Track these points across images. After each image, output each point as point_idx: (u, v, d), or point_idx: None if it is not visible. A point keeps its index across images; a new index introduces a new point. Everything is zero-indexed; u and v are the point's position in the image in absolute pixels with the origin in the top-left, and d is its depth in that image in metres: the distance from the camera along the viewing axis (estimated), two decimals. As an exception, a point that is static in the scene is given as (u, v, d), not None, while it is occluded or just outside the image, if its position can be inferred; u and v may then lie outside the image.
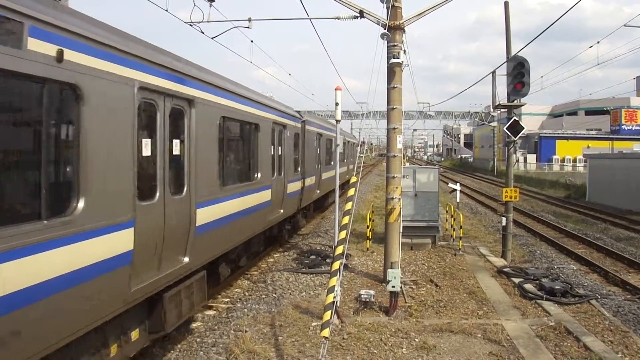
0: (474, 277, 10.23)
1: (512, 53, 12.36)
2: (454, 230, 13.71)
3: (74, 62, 4.28)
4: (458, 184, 16.00)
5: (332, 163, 20.03)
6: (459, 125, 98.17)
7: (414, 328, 7.28)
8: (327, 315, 5.52)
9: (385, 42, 9.11)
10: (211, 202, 7.25)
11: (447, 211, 15.20)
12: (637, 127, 57.17)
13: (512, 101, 11.94)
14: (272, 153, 11.13)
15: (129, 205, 5.13)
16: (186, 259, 6.50)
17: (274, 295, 9.01)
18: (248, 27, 11.78)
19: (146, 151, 5.57)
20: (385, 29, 8.85)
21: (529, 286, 9.43)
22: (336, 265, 6.01)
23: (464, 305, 8.44)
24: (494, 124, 56.45)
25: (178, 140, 6.37)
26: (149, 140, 5.66)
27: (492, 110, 42.06)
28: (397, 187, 9.46)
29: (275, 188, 11.14)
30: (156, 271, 5.78)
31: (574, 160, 54.07)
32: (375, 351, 6.46)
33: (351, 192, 6.29)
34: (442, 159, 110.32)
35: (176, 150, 6.30)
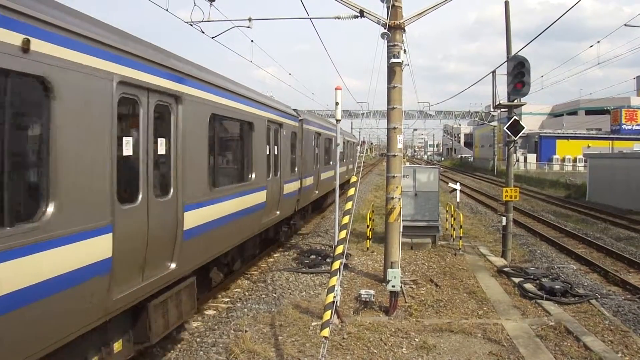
0: (474, 277, 10.23)
1: (513, 53, 12.35)
2: (454, 229, 13.71)
3: (42, 53, 3.92)
4: (458, 183, 15.99)
5: (331, 163, 19.88)
6: (459, 124, 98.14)
7: (414, 328, 7.28)
8: (327, 315, 5.52)
9: (386, 41, 9.10)
10: (200, 204, 6.87)
11: (447, 211, 15.19)
12: (638, 127, 57.19)
13: (513, 101, 11.94)
14: (268, 153, 10.78)
15: (107, 209, 4.76)
16: (173, 265, 6.14)
17: (274, 295, 9.01)
18: (248, 27, 11.77)
19: (127, 150, 5.23)
20: (385, 28, 8.84)
21: (529, 286, 9.43)
22: (336, 264, 6.00)
23: (464, 305, 8.44)
24: (494, 123, 56.44)
25: (164, 139, 5.99)
26: (131, 138, 5.31)
27: (492, 109, 42.11)
28: (397, 187, 9.46)
29: (270, 189, 10.80)
30: (140, 279, 5.44)
31: (574, 160, 54.10)
32: (375, 351, 6.46)
33: (351, 191, 6.29)
34: (442, 159, 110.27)
35: (161, 150, 5.93)
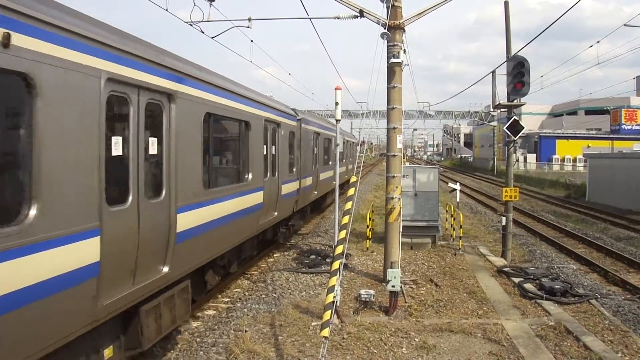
0: (473, 277, 10.23)
1: (512, 53, 12.36)
2: (453, 229, 13.71)
3: (24, 48, 3.72)
4: (458, 183, 16.00)
5: (331, 163, 19.79)
6: (459, 124, 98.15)
7: (414, 328, 7.28)
8: (327, 315, 5.52)
9: (385, 41, 9.10)
10: (194, 205, 6.65)
11: (447, 211, 15.20)
12: (637, 127, 57.23)
13: (512, 101, 11.94)
14: (265, 153, 10.56)
15: (94, 211, 4.55)
16: (166, 269, 5.95)
17: (273, 295, 9.01)
18: (248, 27, 11.78)
19: (116, 150, 5.01)
20: (385, 28, 8.84)
21: (528, 286, 9.43)
22: (336, 264, 6.00)
23: (463, 304, 8.44)
24: (494, 123, 56.44)
25: (155, 139, 5.78)
26: (120, 138, 5.10)
27: (492, 109, 42.09)
28: (397, 187, 9.46)
29: (268, 190, 10.58)
30: (130, 283, 5.26)
31: (574, 160, 54.15)
32: (375, 351, 6.46)
33: (351, 191, 6.29)
34: (442, 159, 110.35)
35: (153, 150, 5.72)
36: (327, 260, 10.97)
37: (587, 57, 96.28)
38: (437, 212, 13.32)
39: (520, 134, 11.85)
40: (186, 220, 6.36)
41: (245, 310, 8.18)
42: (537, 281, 9.59)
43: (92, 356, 4.95)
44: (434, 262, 11.42)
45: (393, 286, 7.82)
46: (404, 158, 19.72)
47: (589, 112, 64.68)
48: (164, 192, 5.90)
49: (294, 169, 13.58)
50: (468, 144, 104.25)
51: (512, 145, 12.27)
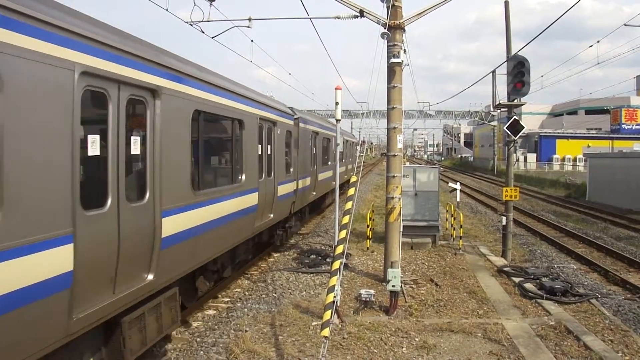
0: (474, 277, 10.23)
1: (512, 52, 12.35)
2: (454, 229, 13.72)
3: None
4: (458, 183, 16.00)
5: (330, 163, 19.62)
6: (459, 124, 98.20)
7: (414, 327, 7.28)
8: (327, 315, 5.52)
9: (386, 41, 9.11)
10: (181, 209, 6.27)
11: (447, 210, 15.19)
12: (637, 127, 57.20)
13: (512, 100, 11.94)
14: (260, 153, 10.17)
15: (67, 216, 4.17)
16: (150, 276, 5.59)
17: (274, 294, 9.01)
18: (248, 27, 11.79)
19: (93, 150, 4.65)
20: (385, 28, 8.85)
21: (529, 285, 9.43)
22: (336, 264, 6.00)
23: (464, 304, 8.44)
24: (494, 123, 56.47)
25: (138, 138, 5.42)
26: (97, 137, 4.73)
27: (492, 109, 42.13)
28: (397, 187, 9.46)
29: (263, 191, 10.20)
30: (110, 293, 4.89)
31: (574, 160, 54.16)
32: (375, 350, 6.46)
33: (351, 191, 6.29)
34: (442, 159, 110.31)
35: (136, 150, 5.37)
36: (328, 260, 10.98)
37: (587, 57, 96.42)
38: (437, 212, 13.32)
39: (520, 134, 11.85)
40: (173, 224, 6.02)
41: (246, 310, 8.18)
42: (538, 281, 9.59)
43: None
44: (434, 262, 11.42)
45: (393, 286, 7.82)
46: (404, 158, 19.72)
47: (589, 111, 64.68)
48: (147, 195, 5.54)
49: (291, 170, 13.19)
50: (468, 144, 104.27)
51: (512, 145, 12.27)
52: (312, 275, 10.28)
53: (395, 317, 7.78)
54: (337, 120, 9.26)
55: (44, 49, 3.92)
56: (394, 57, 9.14)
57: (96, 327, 4.76)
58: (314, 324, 7.27)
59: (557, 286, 9.05)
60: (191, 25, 10.87)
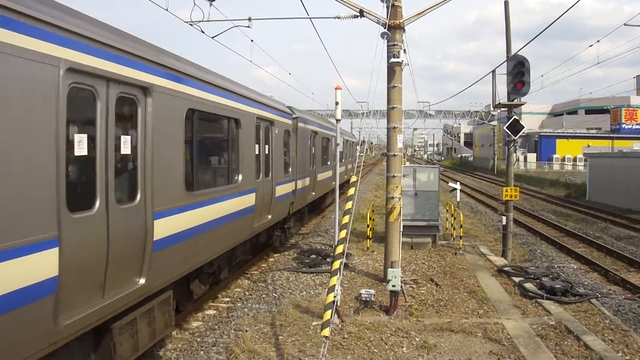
0: (474, 276, 10.23)
1: (512, 52, 12.35)
2: (454, 229, 13.72)
3: None
4: (458, 183, 16.01)
5: (329, 163, 19.54)
6: (459, 124, 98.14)
7: (415, 327, 7.28)
8: (328, 315, 5.52)
9: (385, 41, 9.11)
10: (174, 210, 6.09)
11: (447, 210, 15.19)
12: (637, 126, 57.18)
13: (512, 100, 11.94)
14: (257, 152, 9.99)
15: (51, 219, 3.99)
16: (142, 281, 5.42)
17: (274, 294, 9.01)
18: (248, 27, 11.79)
19: (80, 150, 4.46)
20: (385, 28, 8.85)
21: (529, 285, 9.43)
22: (336, 264, 6.01)
23: (464, 304, 8.44)
24: (494, 123, 56.47)
25: (129, 137, 5.24)
26: (85, 136, 4.54)
27: (492, 109, 42.10)
28: (397, 186, 9.46)
29: (261, 191, 10.02)
30: (99, 298, 4.72)
31: (574, 159, 54.16)
32: (375, 350, 6.46)
33: (351, 191, 6.29)
34: (442, 158, 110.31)
35: (126, 149, 5.18)
36: (328, 259, 10.97)
37: (587, 57, 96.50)
38: (437, 212, 13.32)
39: (520, 134, 11.86)
40: (165, 227, 5.83)
41: (246, 310, 8.18)
42: (538, 280, 9.59)
43: None
44: (435, 262, 11.42)
45: (393, 286, 7.82)
46: (404, 157, 19.72)
47: (589, 111, 64.66)
48: (138, 196, 5.36)
49: (290, 170, 13.01)
50: (468, 144, 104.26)
51: (512, 144, 12.27)
52: (312, 275, 10.28)
53: (395, 317, 7.78)
54: (337, 120, 9.25)
55: (25, 44, 3.73)
56: (394, 57, 9.15)
57: (85, 334, 4.61)
58: (314, 323, 7.27)
59: (557, 286, 9.05)
60: (191, 25, 10.87)
